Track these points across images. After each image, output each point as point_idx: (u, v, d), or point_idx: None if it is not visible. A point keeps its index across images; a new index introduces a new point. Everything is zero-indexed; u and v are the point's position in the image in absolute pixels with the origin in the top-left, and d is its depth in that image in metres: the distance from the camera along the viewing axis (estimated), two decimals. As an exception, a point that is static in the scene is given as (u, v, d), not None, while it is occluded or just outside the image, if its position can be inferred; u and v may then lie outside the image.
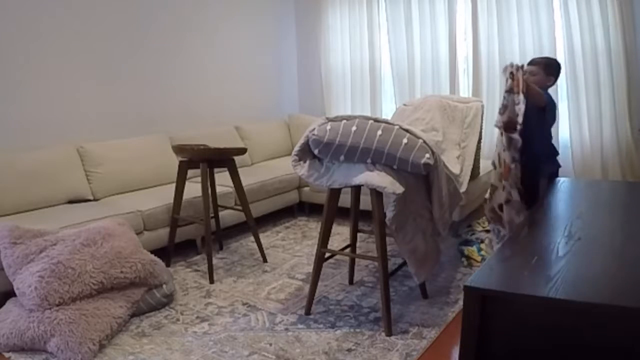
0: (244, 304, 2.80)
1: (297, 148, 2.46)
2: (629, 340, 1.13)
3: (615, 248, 1.53)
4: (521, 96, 2.49)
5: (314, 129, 2.39)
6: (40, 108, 3.49)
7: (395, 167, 2.32)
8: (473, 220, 3.82)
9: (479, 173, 3.59)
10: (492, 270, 1.36)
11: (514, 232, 2.38)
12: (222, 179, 3.74)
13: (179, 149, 3.31)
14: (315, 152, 2.41)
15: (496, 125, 2.62)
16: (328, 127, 2.37)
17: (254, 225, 3.44)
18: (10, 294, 2.60)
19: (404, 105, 3.47)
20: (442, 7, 4.55)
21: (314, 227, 4.22)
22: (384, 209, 2.43)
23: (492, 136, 4.32)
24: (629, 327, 1.13)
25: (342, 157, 2.35)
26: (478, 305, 1.22)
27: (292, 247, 3.76)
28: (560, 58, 4.10)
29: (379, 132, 2.30)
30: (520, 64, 2.65)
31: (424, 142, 2.32)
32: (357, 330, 2.47)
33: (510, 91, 2.54)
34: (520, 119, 2.45)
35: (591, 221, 1.80)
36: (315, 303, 2.73)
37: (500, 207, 2.58)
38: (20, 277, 2.46)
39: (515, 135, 2.47)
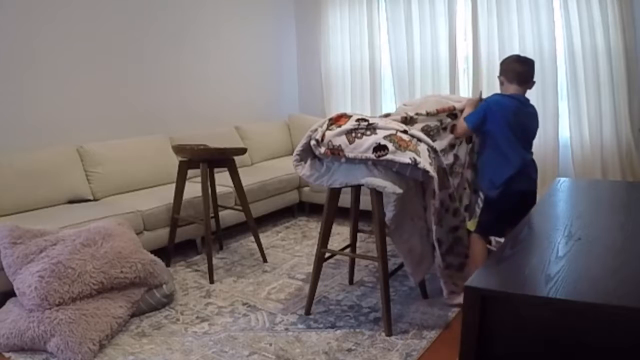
0: (244, 304, 2.80)
1: (299, 148, 2.45)
2: (629, 340, 1.13)
3: (615, 248, 1.53)
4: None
5: (317, 130, 2.39)
6: (41, 108, 3.49)
7: (395, 169, 2.32)
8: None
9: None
10: (492, 270, 1.36)
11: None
12: (222, 179, 3.74)
13: (179, 149, 3.31)
14: (317, 152, 2.41)
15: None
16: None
17: (254, 225, 3.44)
18: (10, 294, 2.60)
19: (404, 105, 3.47)
20: (442, 7, 4.55)
21: (314, 227, 4.22)
22: (384, 209, 2.44)
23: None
24: (629, 327, 1.13)
25: (343, 159, 2.35)
26: (478, 305, 1.22)
27: (292, 247, 3.76)
28: (560, 58, 4.10)
29: None
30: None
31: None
32: (357, 330, 2.46)
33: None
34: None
35: (591, 221, 1.80)
36: (315, 303, 2.73)
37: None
38: (20, 277, 2.46)
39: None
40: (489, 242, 2.94)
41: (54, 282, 2.39)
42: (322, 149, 2.30)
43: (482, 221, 2.72)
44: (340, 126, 2.34)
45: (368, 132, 2.30)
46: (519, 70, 2.57)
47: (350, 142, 2.28)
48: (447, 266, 2.62)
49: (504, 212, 2.55)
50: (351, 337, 2.40)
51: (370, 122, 2.35)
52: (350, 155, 2.26)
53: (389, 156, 2.23)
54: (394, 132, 2.31)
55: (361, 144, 2.26)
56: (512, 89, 2.59)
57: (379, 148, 2.24)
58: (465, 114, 2.68)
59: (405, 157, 2.23)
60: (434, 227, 2.45)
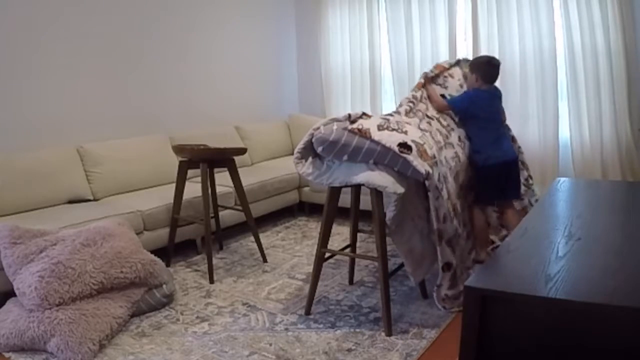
0: (244, 304, 2.80)
1: (300, 146, 2.45)
2: (629, 340, 1.13)
3: (615, 248, 1.53)
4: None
5: (319, 127, 2.39)
6: (41, 108, 3.49)
7: (396, 169, 2.32)
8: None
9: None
10: (492, 270, 1.36)
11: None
12: (222, 179, 3.74)
13: (179, 149, 3.31)
14: (319, 150, 2.40)
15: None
16: (334, 127, 2.37)
17: (254, 225, 3.44)
18: (10, 294, 2.60)
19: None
20: (442, 7, 4.55)
21: (314, 227, 4.22)
22: (384, 209, 2.43)
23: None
24: (629, 327, 1.13)
25: (345, 157, 2.35)
26: (478, 305, 1.22)
27: (292, 247, 3.76)
28: (560, 58, 4.11)
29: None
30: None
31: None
32: (357, 330, 2.47)
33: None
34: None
35: (591, 221, 1.80)
36: (315, 303, 2.73)
37: None
38: (20, 277, 2.46)
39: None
40: (493, 242, 3.26)
41: (54, 282, 2.39)
42: (351, 126, 2.36)
43: (476, 192, 3.08)
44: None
45: (398, 130, 2.40)
46: (493, 73, 3.07)
47: (380, 130, 2.36)
48: (444, 298, 2.62)
49: (491, 179, 2.99)
50: (351, 337, 2.40)
51: (399, 125, 2.46)
52: (376, 138, 2.32)
53: (409, 157, 2.29)
54: (421, 142, 2.40)
55: (390, 135, 2.34)
56: (485, 86, 3.08)
57: (405, 145, 2.31)
58: (436, 96, 3.09)
59: (422, 168, 2.31)
60: (435, 226, 2.47)
